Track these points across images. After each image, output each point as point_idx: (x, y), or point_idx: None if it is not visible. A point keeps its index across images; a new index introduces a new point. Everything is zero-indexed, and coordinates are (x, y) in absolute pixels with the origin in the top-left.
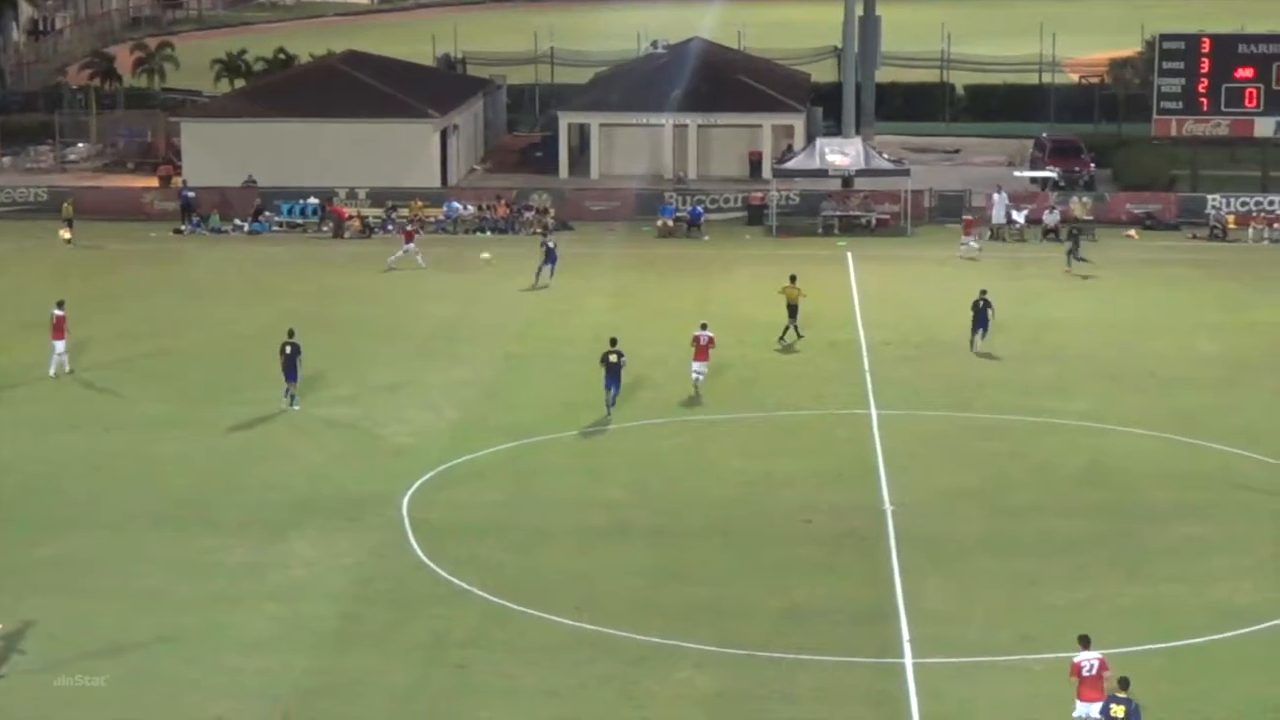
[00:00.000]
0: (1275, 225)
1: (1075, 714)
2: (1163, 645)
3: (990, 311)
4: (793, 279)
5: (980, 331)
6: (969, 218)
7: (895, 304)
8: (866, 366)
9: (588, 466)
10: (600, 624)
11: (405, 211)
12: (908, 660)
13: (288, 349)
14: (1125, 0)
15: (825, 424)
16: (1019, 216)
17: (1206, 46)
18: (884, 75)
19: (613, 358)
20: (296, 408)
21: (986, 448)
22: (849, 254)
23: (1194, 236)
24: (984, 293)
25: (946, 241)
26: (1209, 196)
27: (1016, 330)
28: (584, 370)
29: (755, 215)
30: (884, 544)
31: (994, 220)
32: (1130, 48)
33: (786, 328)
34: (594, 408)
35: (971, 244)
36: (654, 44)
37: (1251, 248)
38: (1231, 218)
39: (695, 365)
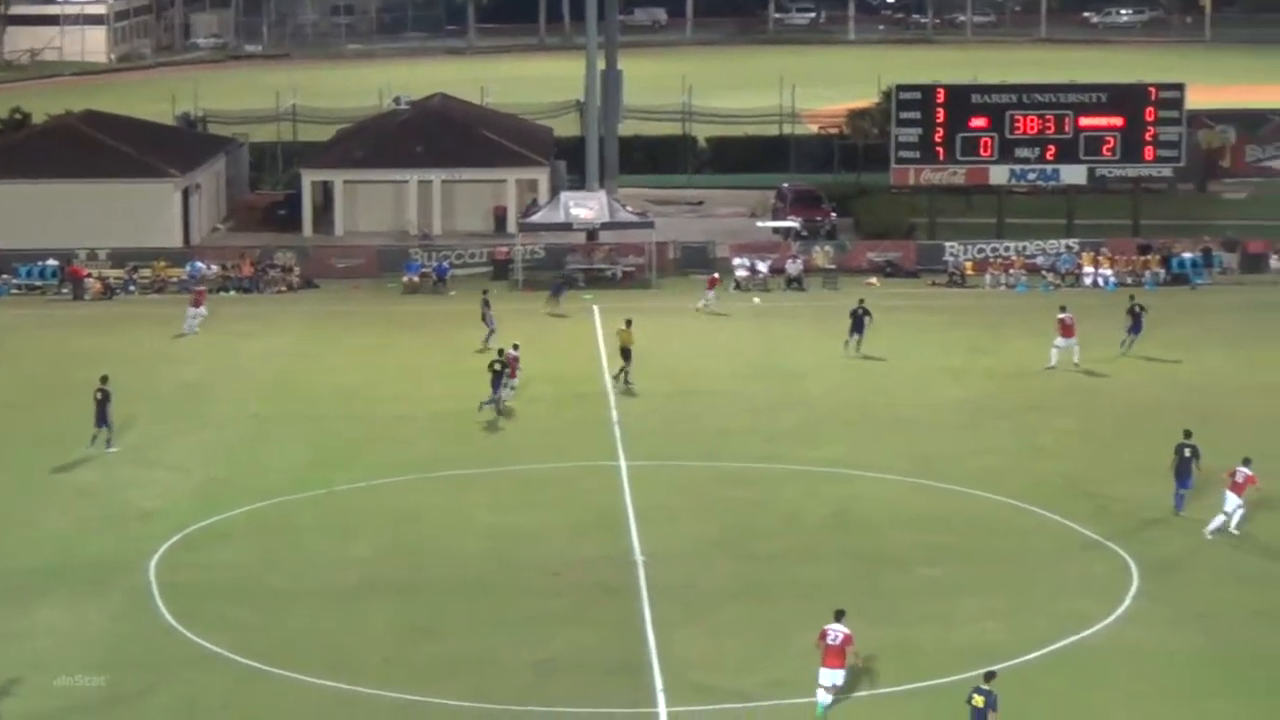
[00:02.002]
0: (1011, 271)
1: (819, 681)
2: (913, 686)
3: (868, 319)
4: (628, 323)
5: (856, 336)
6: (714, 275)
7: (642, 356)
8: (615, 418)
9: (337, 525)
10: (354, 683)
11: (147, 272)
12: (661, 710)
13: (99, 394)
14: (861, 52)
15: (575, 476)
16: (762, 267)
17: (941, 97)
18: (627, 128)
19: (496, 366)
20: (113, 449)
21: (735, 496)
22: (595, 307)
23: (933, 283)
24: (862, 301)
25: (692, 293)
26: (947, 244)
27: (763, 378)
28: (331, 428)
29: (501, 270)
30: (636, 595)
31: (737, 273)
32: (867, 99)
33: (622, 369)
34: (342, 466)
35: (711, 298)
36: (396, 100)
37: (989, 293)
38: (969, 264)
39: (511, 380)
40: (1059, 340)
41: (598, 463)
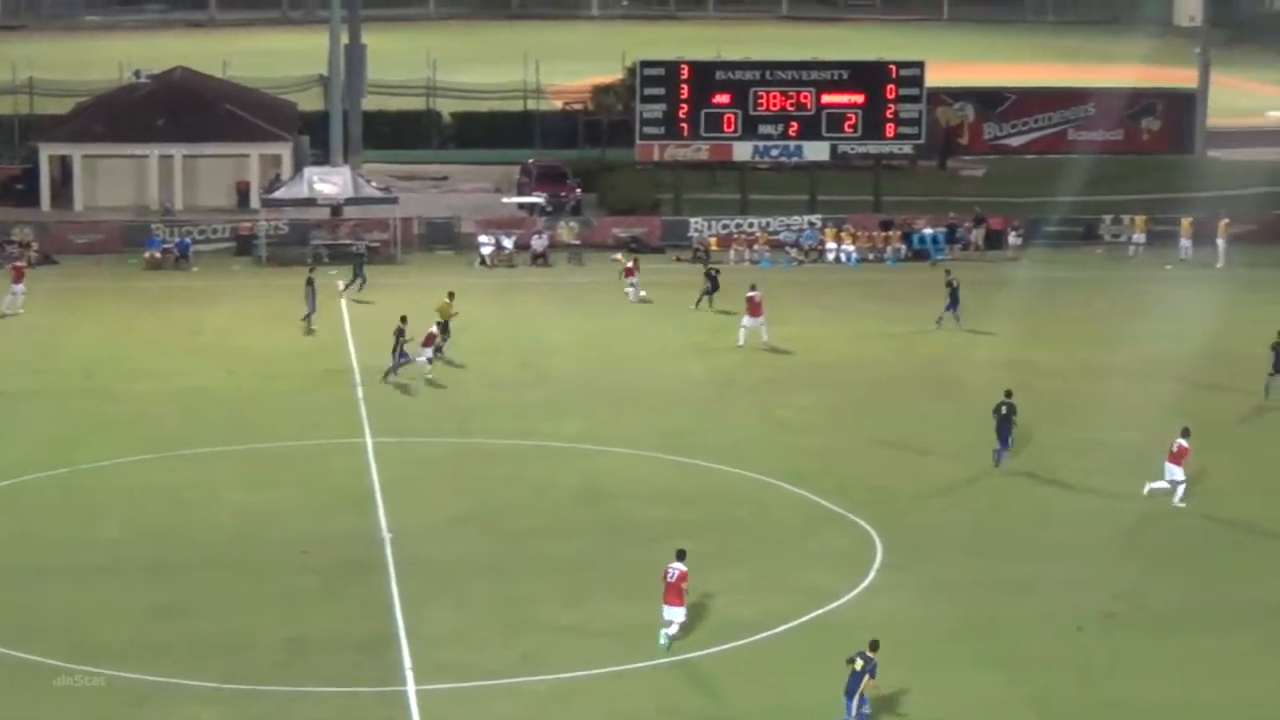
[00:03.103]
0: (755, 247)
1: (662, 616)
2: (665, 660)
3: (718, 279)
4: (450, 295)
5: (709, 297)
6: (630, 265)
7: (388, 332)
8: (361, 395)
9: (82, 504)
10: (100, 665)
11: None
12: (410, 688)
13: None
14: (606, 28)
15: (321, 453)
16: (508, 243)
17: (686, 73)
18: (371, 103)
19: (397, 335)
20: None
21: (483, 472)
22: (340, 283)
23: (678, 259)
24: (713, 264)
25: (436, 268)
26: (691, 220)
27: (509, 355)
28: (74, 406)
29: (245, 245)
30: (384, 572)
31: (483, 250)
32: (612, 75)
33: (440, 342)
34: (86, 445)
35: (635, 285)
36: (137, 73)
37: (733, 269)
38: (714, 240)
39: (425, 351)
40: (746, 320)
41: (344, 440)
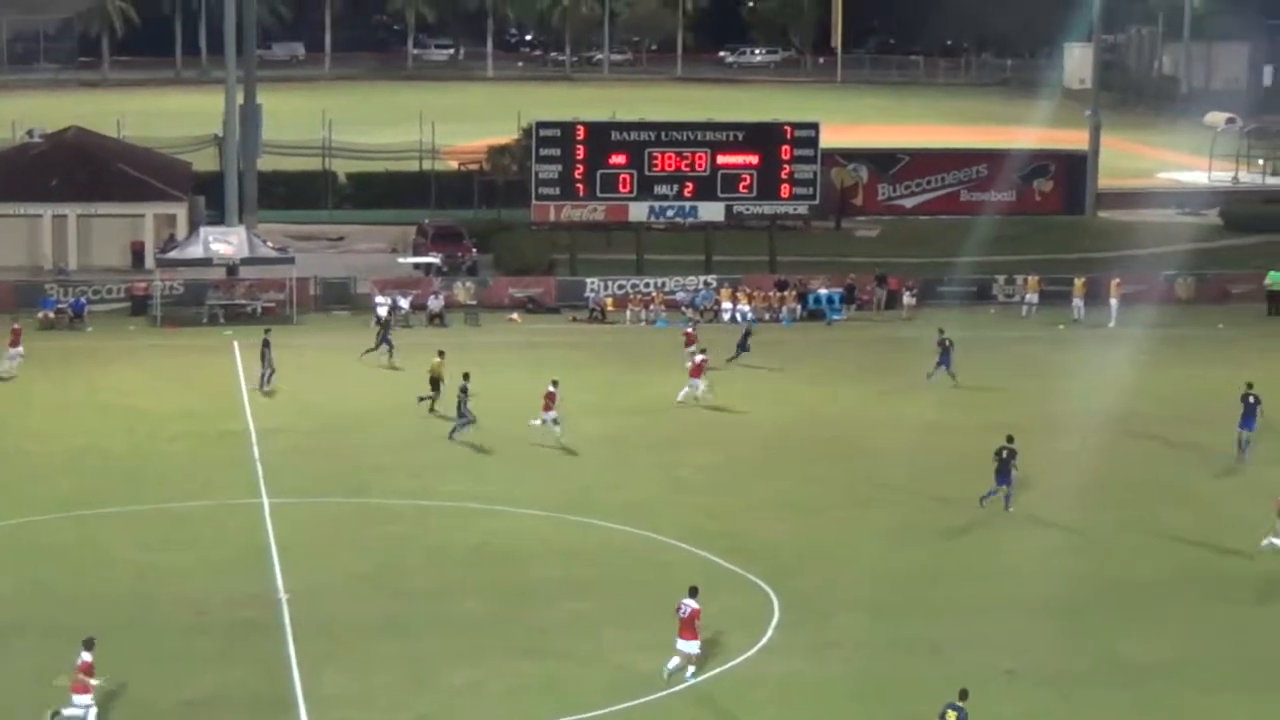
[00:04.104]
0: (651, 307)
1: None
2: None
3: (749, 340)
4: (441, 354)
5: (743, 352)
6: (690, 330)
7: (285, 391)
8: (257, 455)
9: None
10: None
11: None
12: None
13: None
14: (501, 89)
15: (217, 514)
16: (404, 303)
17: (581, 134)
18: (266, 163)
19: (461, 392)
20: None
21: (381, 532)
22: (235, 343)
23: (574, 319)
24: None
25: (333, 329)
26: (588, 280)
27: (407, 414)
28: None
29: (140, 305)
30: (281, 632)
31: (378, 310)
32: (508, 135)
33: (432, 399)
34: None
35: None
36: (30, 133)
37: (629, 329)
38: (610, 300)
39: (546, 415)
40: (695, 382)
41: (240, 500)
